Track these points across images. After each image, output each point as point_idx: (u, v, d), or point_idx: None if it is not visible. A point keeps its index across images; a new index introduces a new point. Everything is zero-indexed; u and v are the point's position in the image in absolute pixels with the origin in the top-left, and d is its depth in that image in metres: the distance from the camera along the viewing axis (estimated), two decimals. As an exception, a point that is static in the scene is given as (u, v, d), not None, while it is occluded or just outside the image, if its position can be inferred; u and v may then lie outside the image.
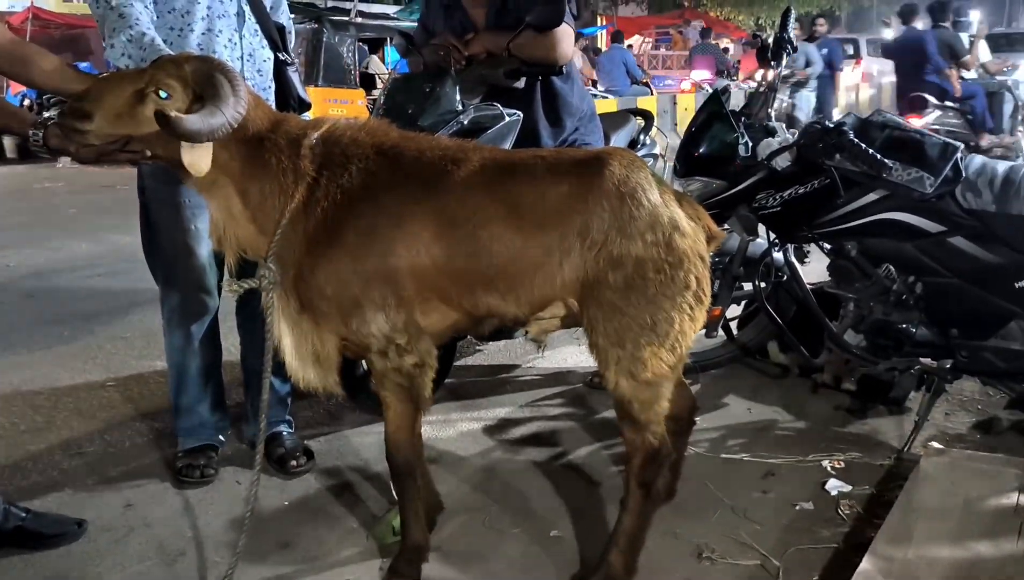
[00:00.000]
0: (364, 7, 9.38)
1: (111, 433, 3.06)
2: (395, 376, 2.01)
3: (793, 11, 3.04)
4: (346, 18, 8.97)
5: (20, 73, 2.12)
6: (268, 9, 2.57)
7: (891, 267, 2.76)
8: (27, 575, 2.22)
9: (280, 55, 2.56)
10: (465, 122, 2.81)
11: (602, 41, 18.11)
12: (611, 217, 1.89)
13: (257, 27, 2.49)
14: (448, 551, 2.30)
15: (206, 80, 1.83)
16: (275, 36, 2.54)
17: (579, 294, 1.94)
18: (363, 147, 1.98)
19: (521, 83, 3.00)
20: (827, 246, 2.92)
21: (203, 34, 2.41)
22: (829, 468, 2.72)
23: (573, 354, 3.71)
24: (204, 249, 2.55)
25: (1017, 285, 2.55)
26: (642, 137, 3.95)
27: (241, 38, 2.46)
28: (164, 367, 2.80)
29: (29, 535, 2.30)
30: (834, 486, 2.61)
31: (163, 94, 1.82)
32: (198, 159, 1.83)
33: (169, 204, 2.54)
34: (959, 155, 2.59)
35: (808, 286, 2.98)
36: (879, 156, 2.54)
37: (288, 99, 2.61)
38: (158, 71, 1.85)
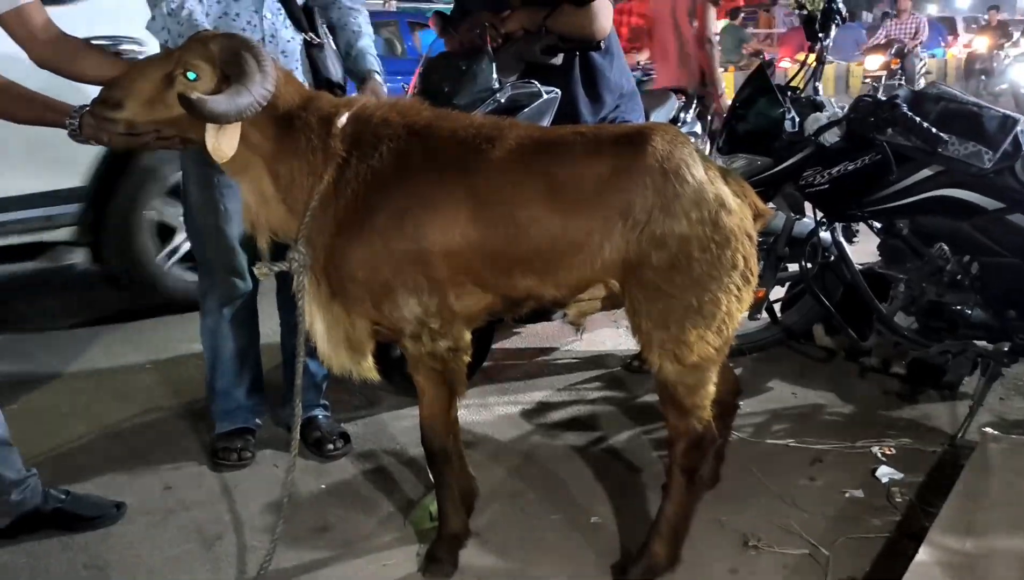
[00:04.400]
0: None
1: (150, 416, 3.07)
2: (429, 361, 1.97)
3: None
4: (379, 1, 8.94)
5: (67, 69, 2.10)
6: None
7: (945, 246, 2.65)
8: (66, 557, 2.23)
9: (307, 36, 2.50)
10: (502, 100, 2.75)
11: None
12: (654, 195, 1.82)
13: (280, 7, 2.42)
14: (486, 538, 2.26)
15: (232, 58, 1.80)
16: (300, 16, 2.47)
17: (621, 275, 1.88)
18: (394, 126, 1.93)
19: (559, 59, 2.93)
20: (877, 225, 2.82)
21: (219, 18, 2.34)
22: (879, 455, 2.64)
23: (611, 337, 3.65)
24: (235, 230, 2.53)
25: (1081, 264, 2.43)
26: (682, 115, 3.86)
27: (262, 19, 2.39)
28: (201, 349, 2.80)
29: (68, 517, 2.31)
30: (885, 473, 2.52)
31: (191, 75, 1.79)
32: (223, 143, 1.79)
33: (202, 184, 2.53)
34: (1019, 128, 2.46)
35: (857, 266, 2.88)
36: (934, 130, 2.43)
37: (319, 81, 2.56)
38: (185, 52, 1.82)
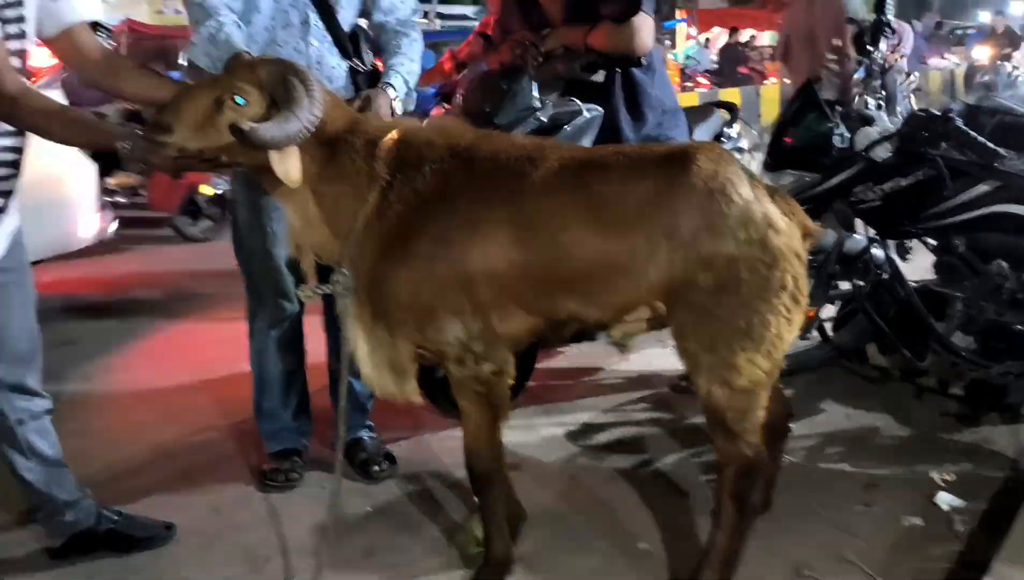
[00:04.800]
0: (442, 8, 9.44)
1: (200, 436, 3.11)
2: (473, 384, 1.96)
3: None
4: (424, 20, 9.05)
5: (112, 85, 2.15)
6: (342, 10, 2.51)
7: (1003, 263, 2.57)
8: (118, 578, 2.25)
9: (353, 62, 2.52)
10: (544, 119, 2.75)
11: (681, 36, 17.76)
12: (699, 215, 1.79)
13: (326, 34, 2.44)
14: (532, 562, 2.23)
15: (280, 84, 1.82)
16: (346, 43, 2.49)
17: (666, 297, 1.85)
18: (438, 149, 1.93)
19: (600, 76, 2.91)
20: (932, 242, 2.74)
21: (266, 45, 2.37)
22: (938, 480, 2.55)
23: (657, 357, 3.58)
24: (282, 253, 2.55)
25: None
26: (727, 130, 3.81)
27: (308, 46, 2.42)
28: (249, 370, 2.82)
29: (121, 538, 2.34)
30: (945, 500, 2.44)
31: (240, 100, 1.81)
32: (289, 167, 1.81)
33: (248, 206, 2.56)
34: (1082, 141, 2.38)
35: (911, 284, 2.80)
36: (990, 144, 2.36)
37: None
38: (232, 77, 1.84)
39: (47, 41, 2.03)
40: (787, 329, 1.85)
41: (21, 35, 1.89)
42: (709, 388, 1.85)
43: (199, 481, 2.76)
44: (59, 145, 1.94)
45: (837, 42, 5.06)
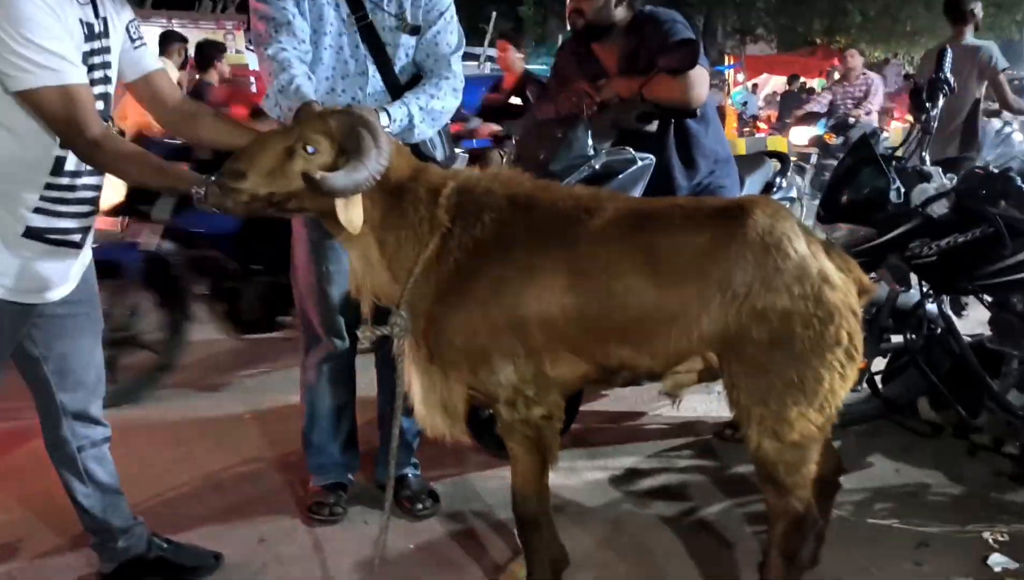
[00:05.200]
0: (493, 52, 9.60)
1: (248, 467, 3.15)
2: (523, 428, 1.98)
3: (950, 51, 2.86)
4: (475, 62, 9.19)
5: (189, 131, 2.23)
6: (404, 62, 2.53)
7: (1062, 322, 2.52)
8: (167, 606, 2.30)
9: None
10: (597, 167, 2.79)
11: (730, 82, 17.82)
12: (755, 268, 1.81)
13: (383, 85, 2.50)
14: (574, 609, 2.23)
15: (350, 134, 1.88)
16: (402, 92, 2.50)
17: (719, 348, 1.86)
18: (496, 197, 1.98)
19: (653, 126, 2.95)
20: (988, 298, 2.71)
21: (326, 94, 2.43)
22: (991, 541, 2.49)
23: (703, 402, 3.57)
24: (335, 291, 2.60)
25: None
26: (778, 180, 3.81)
27: (366, 96, 2.47)
28: (299, 403, 2.87)
29: (170, 566, 2.38)
30: (997, 562, 2.38)
31: (310, 149, 1.88)
32: (352, 215, 1.86)
33: (308, 247, 2.62)
34: None
35: (966, 339, 2.77)
36: (1050, 203, 2.34)
37: (421, 159, 2.60)
38: (305, 128, 1.91)
39: (128, 85, 2.13)
40: (841, 384, 1.85)
41: (106, 80, 1.99)
42: (760, 441, 1.85)
43: (247, 512, 2.80)
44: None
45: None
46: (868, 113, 8.21)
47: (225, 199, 1.83)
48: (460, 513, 2.77)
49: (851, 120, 7.87)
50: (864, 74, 8.59)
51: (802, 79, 16.29)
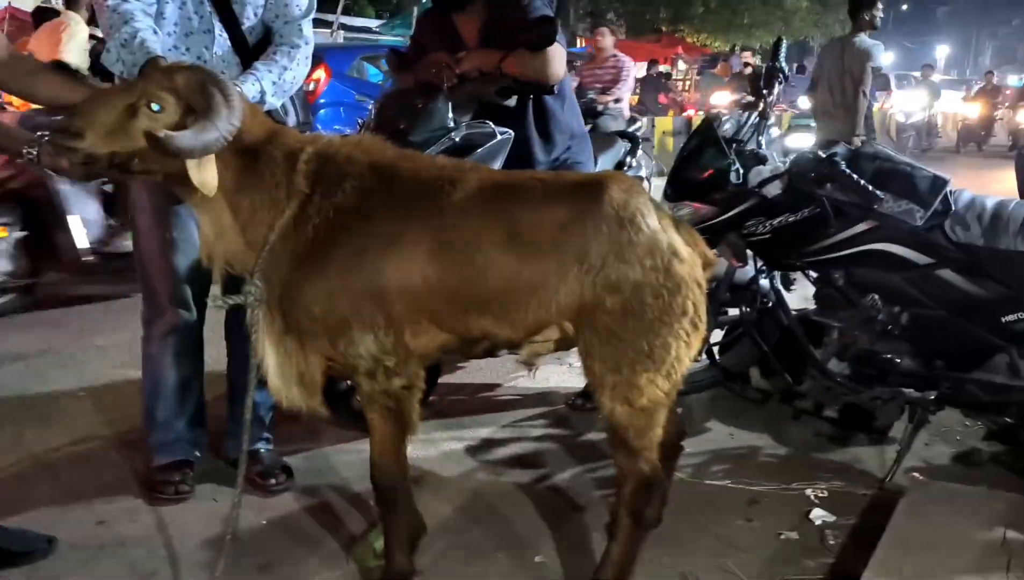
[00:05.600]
0: (346, 20, 9.35)
1: (83, 446, 2.98)
2: (383, 398, 1.98)
3: (784, 41, 3.06)
4: (327, 30, 8.94)
5: (22, 88, 2.08)
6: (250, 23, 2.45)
7: (877, 297, 2.77)
8: (-7, 595, 2.14)
9: None
10: (457, 139, 2.80)
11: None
12: (609, 242, 1.88)
13: (230, 45, 2.41)
14: (431, 576, 2.25)
15: (198, 91, 1.79)
16: (249, 53, 2.44)
17: (575, 318, 1.92)
18: (358, 164, 1.95)
19: (513, 101, 2.99)
20: (814, 274, 2.93)
21: (168, 51, 2.32)
22: (812, 497, 2.72)
23: (556, 374, 3.69)
24: (181, 259, 2.50)
25: (1003, 319, 2.57)
26: (628, 159, 3.96)
27: (212, 55, 2.38)
28: (139, 378, 2.73)
29: (-3, 552, 2.22)
30: (818, 516, 2.60)
31: (155, 107, 1.78)
32: (206, 176, 1.78)
33: (148, 212, 2.49)
34: (948, 188, 2.61)
35: (793, 313, 2.99)
36: (870, 187, 2.55)
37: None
38: (149, 84, 1.80)
39: None
40: (686, 352, 1.95)
41: None
42: (612, 406, 1.93)
43: (82, 493, 2.65)
44: None
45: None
46: (618, 101, 7.42)
47: (59, 159, 1.71)
48: (315, 487, 2.73)
49: (599, 107, 6.75)
50: (615, 56, 7.74)
51: (660, 66, 16.91)
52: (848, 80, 5.98)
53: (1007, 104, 16.68)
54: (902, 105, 15.38)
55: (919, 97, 15.72)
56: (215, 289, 2.06)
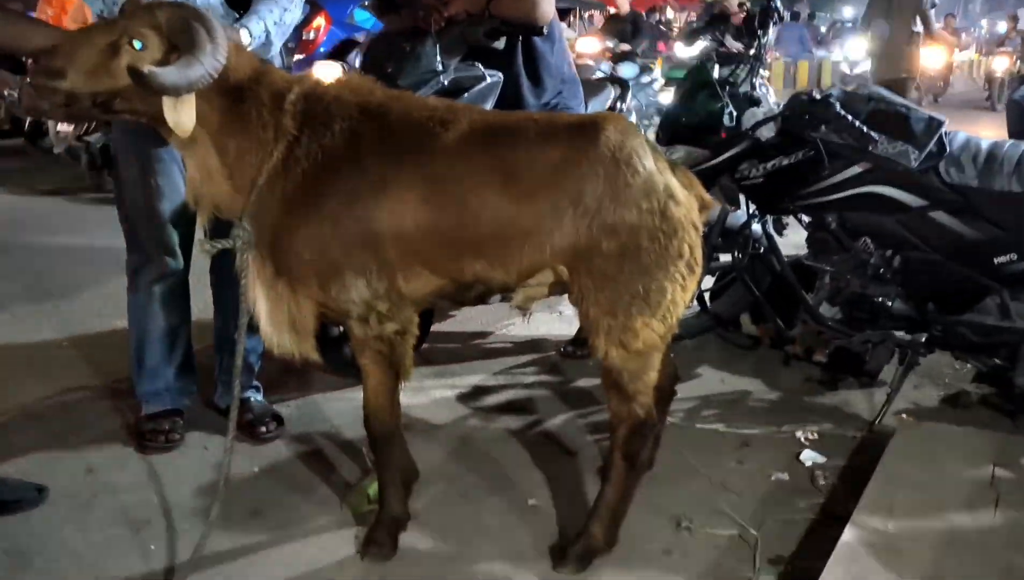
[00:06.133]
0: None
1: (69, 396, 2.95)
2: (376, 344, 1.96)
3: None
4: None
5: None
6: None
7: (869, 241, 2.76)
8: (-15, 543, 2.13)
9: (241, 15, 2.41)
10: (446, 82, 2.74)
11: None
12: (605, 184, 1.84)
13: None
14: (424, 520, 2.26)
15: (181, 28, 1.73)
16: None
17: (570, 262, 1.90)
18: (347, 105, 1.90)
19: (501, 43, 2.92)
20: (806, 218, 2.92)
21: None
22: (803, 439, 2.74)
23: (546, 322, 3.68)
24: (166, 206, 2.46)
25: (996, 261, 2.57)
26: (619, 105, 3.91)
27: None
28: (124, 327, 2.70)
29: (-15, 501, 2.21)
30: (808, 457, 2.62)
31: (138, 44, 1.72)
32: (183, 116, 1.73)
33: (131, 157, 2.44)
34: (943, 130, 2.59)
35: (785, 258, 2.98)
36: (865, 129, 2.52)
37: None
38: (131, 20, 1.74)
39: None
40: (682, 296, 1.94)
41: None
42: (607, 350, 1.92)
43: (71, 442, 2.63)
44: None
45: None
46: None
47: (41, 100, 1.66)
48: (306, 435, 2.73)
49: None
50: None
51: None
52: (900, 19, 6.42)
53: (973, 50, 16.07)
54: (849, 53, 14.24)
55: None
56: (200, 234, 2.01)
